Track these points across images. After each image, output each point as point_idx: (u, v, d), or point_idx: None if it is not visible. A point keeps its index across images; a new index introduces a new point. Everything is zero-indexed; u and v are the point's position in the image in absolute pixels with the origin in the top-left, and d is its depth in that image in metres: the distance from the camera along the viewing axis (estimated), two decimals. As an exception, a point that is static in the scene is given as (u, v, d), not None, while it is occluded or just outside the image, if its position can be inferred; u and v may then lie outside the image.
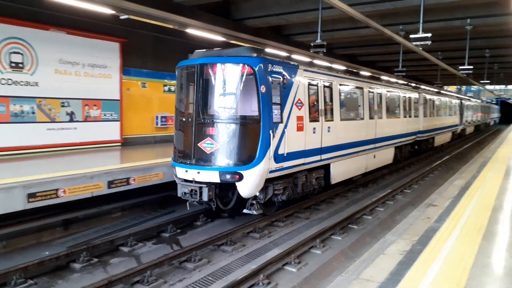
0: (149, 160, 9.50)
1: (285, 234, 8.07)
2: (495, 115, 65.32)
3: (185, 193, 7.67)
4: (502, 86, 51.18)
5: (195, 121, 7.66)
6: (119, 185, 8.04)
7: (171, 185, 9.58)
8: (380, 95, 13.23)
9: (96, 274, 6.32)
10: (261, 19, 15.88)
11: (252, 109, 7.59)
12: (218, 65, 7.62)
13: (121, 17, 8.76)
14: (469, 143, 28.49)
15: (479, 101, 45.41)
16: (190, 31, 10.09)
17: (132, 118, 12.99)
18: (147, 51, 13.58)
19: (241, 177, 7.39)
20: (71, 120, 11.18)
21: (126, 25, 12.32)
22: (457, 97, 29.39)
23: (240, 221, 8.79)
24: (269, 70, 7.67)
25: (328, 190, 11.10)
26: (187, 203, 8.16)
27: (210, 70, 7.67)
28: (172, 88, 14.52)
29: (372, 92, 12.57)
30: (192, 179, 7.66)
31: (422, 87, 23.00)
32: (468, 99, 36.43)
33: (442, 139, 23.04)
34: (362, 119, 11.78)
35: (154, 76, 13.87)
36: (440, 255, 4.69)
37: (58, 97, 10.81)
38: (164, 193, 9.82)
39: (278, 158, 7.82)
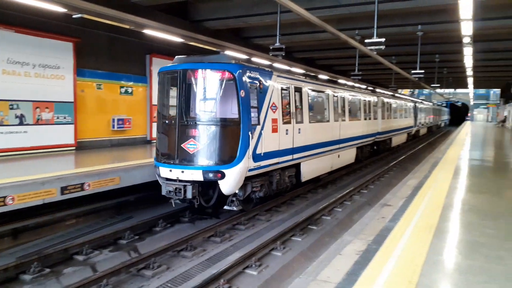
0: (105, 165, 9.20)
1: (246, 237, 8.09)
2: (445, 117, 68.68)
3: (169, 191, 8.24)
4: (451, 90, 53.86)
5: (178, 123, 8.37)
6: (73, 191, 7.74)
7: (129, 191, 9.37)
8: (343, 98, 14.55)
9: (49, 285, 6.11)
10: (219, 21, 15.84)
11: (233, 112, 8.39)
12: (201, 70, 8.45)
13: (74, 16, 8.46)
14: (422, 144, 29.78)
15: (430, 104, 47.76)
16: (147, 31, 9.89)
17: (87, 121, 12.63)
18: (102, 51, 13.19)
19: (223, 176, 8.13)
20: (21, 123, 10.73)
21: (80, 24, 11.92)
22: (411, 100, 31.22)
23: (200, 225, 8.77)
24: (247, 75, 8.58)
25: (299, 188, 11.86)
26: (172, 201, 8.57)
27: (193, 76, 8.51)
28: (129, 90, 14.23)
29: (336, 96, 13.82)
30: (176, 178, 8.26)
31: (380, 90, 24.21)
32: (421, 102, 38.55)
33: (398, 139, 24.88)
34: (328, 121, 12.98)
35: (110, 78, 13.50)
36: (394, 253, 4.86)
37: (6, 99, 10.39)
38: (121, 199, 9.59)
39: (256, 157, 8.68)
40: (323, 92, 12.82)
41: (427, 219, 6.25)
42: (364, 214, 7.23)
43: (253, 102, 8.68)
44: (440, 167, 11.68)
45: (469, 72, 23.88)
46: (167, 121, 8.76)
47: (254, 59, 13.31)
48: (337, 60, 27.29)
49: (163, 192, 8.35)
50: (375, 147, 19.94)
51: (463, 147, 18.25)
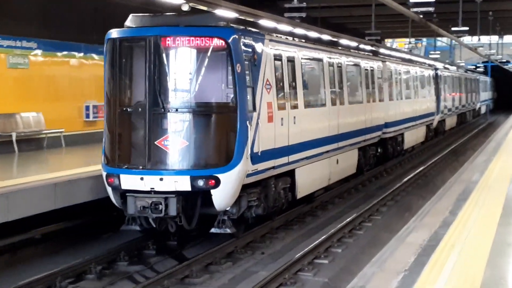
0: None
1: None
2: (487, 94, 72.71)
3: (143, 207, 11.81)
4: (493, 38, 56.59)
5: (149, 112, 12.07)
6: None
7: None
8: (340, 68, 19.11)
9: None
10: None
11: (227, 94, 12.50)
12: (181, 38, 12.24)
13: None
14: (440, 153, 31.14)
15: (461, 70, 52.02)
16: None
17: None
18: None
19: (217, 183, 11.83)
20: None
21: None
22: (429, 64, 35.40)
23: None
24: (242, 43, 12.45)
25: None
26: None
27: (169, 45, 12.29)
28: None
29: (332, 65, 18.22)
30: (150, 189, 11.91)
31: (380, 50, 27.80)
32: (445, 68, 42.67)
33: (414, 137, 30.23)
34: (324, 105, 17.52)
35: None
36: None
37: None
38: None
39: (253, 158, 12.61)
40: (317, 60, 17.32)
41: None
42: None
43: (248, 80, 12.62)
44: (474, 199, 12.14)
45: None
46: (128, 109, 12.63)
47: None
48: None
49: (131, 210, 12.11)
50: (379, 150, 24.65)
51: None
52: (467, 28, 28.09)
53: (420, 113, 30.87)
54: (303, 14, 20.83)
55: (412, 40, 52.58)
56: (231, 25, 12.69)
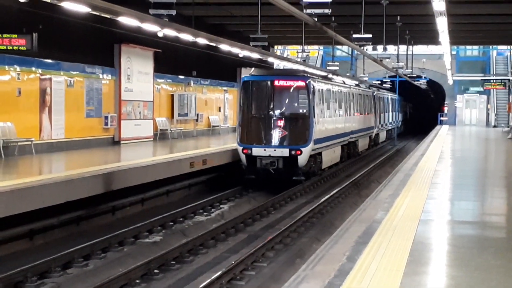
0: None
1: None
2: (397, 116, 75.27)
3: (266, 163, 32.49)
4: (402, 48, 57.22)
5: (267, 117, 33.79)
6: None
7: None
8: (338, 93, 42.42)
9: None
10: None
11: (306, 109, 34.61)
12: (285, 81, 34.88)
13: None
14: (339, 185, 32.79)
15: (390, 93, 73.28)
16: None
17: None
18: None
19: (301, 153, 33.20)
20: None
21: None
22: (369, 87, 56.76)
23: None
24: (311, 83, 35.20)
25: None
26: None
27: (279, 84, 34.55)
28: None
29: (335, 92, 41.50)
30: (268, 155, 33.09)
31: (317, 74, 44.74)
32: (378, 90, 63.12)
33: (363, 143, 52.08)
34: (331, 116, 39.93)
35: None
36: None
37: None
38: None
39: (314, 142, 34.72)
40: (330, 89, 39.45)
41: None
42: None
43: (312, 102, 34.79)
44: (377, 242, 12.32)
45: (438, 4, 25.60)
46: (257, 115, 33.90)
47: None
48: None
49: (258, 165, 32.47)
50: (347, 151, 45.33)
51: (429, 194, 19.74)
52: (370, 36, 28.22)
53: (366, 126, 52.78)
54: (173, 12, 20.76)
55: (307, 48, 53.02)
56: (308, 74, 34.34)
